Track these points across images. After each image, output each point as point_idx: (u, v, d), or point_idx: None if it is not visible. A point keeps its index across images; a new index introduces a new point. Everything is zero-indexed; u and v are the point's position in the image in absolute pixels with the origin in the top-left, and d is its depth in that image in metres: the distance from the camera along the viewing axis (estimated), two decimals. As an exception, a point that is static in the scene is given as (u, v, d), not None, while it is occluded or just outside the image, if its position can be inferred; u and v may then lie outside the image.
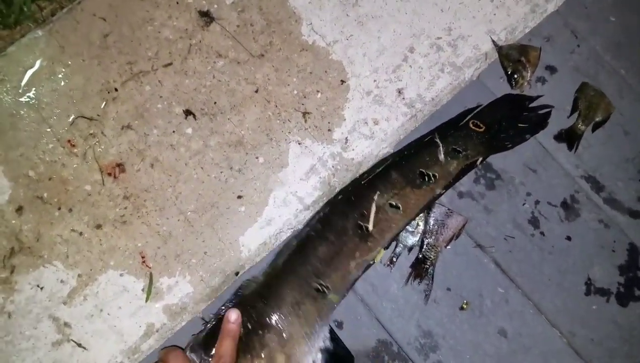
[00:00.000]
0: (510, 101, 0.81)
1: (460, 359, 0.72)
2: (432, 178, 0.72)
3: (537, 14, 0.86)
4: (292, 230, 0.77)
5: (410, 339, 0.73)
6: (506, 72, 0.82)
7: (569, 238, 0.78)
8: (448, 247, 0.75)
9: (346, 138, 0.80)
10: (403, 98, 0.82)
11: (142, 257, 0.73)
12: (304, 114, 0.80)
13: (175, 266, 0.73)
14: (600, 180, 0.80)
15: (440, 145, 0.75)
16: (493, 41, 0.83)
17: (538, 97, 0.81)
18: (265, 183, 0.77)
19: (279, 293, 0.67)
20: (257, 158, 0.78)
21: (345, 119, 0.80)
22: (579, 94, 0.82)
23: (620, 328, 0.75)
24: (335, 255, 0.69)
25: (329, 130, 0.80)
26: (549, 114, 0.81)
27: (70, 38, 0.80)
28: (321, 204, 0.78)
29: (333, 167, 0.78)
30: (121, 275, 0.72)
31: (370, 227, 0.70)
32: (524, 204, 0.78)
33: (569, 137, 0.81)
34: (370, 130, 0.80)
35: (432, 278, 0.73)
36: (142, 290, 0.72)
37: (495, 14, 0.85)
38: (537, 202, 0.79)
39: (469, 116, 0.78)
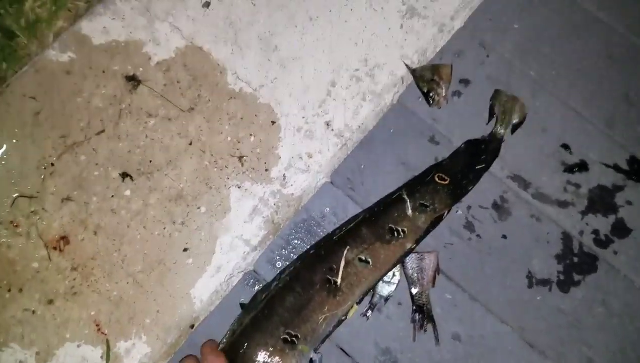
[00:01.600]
0: (468, 148, 0.85)
1: (420, 371, 0.75)
2: (402, 233, 0.74)
3: (444, 32, 0.93)
4: (242, 272, 0.80)
5: (370, 359, 0.76)
6: (422, 92, 0.88)
7: (504, 236, 0.82)
8: (434, 286, 0.77)
9: (284, 175, 0.83)
10: (332, 129, 0.86)
11: (97, 325, 0.74)
12: (240, 158, 0.84)
13: (130, 328, 0.74)
14: (526, 177, 0.86)
15: (408, 201, 0.77)
16: (406, 65, 0.89)
17: (493, 136, 0.86)
18: (210, 232, 0.79)
19: (245, 354, 0.67)
20: (198, 208, 0.81)
21: (280, 157, 0.84)
22: (494, 101, 0.88)
23: (566, 314, 0.79)
24: (303, 306, 0.70)
25: (266, 170, 0.84)
26: (500, 145, 0.85)
27: (2, 120, 0.82)
28: (268, 244, 0.81)
29: (275, 204, 0.82)
30: (78, 346, 0.73)
31: (339, 281, 0.71)
32: (457, 211, 0.83)
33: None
34: (306, 164, 0.85)
35: (434, 321, 0.76)
36: (101, 357, 0.73)
37: (405, 40, 0.91)
38: (469, 207, 0.84)
39: (434, 171, 0.81)
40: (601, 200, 0.85)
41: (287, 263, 0.77)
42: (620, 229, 0.84)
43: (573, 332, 0.78)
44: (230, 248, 0.78)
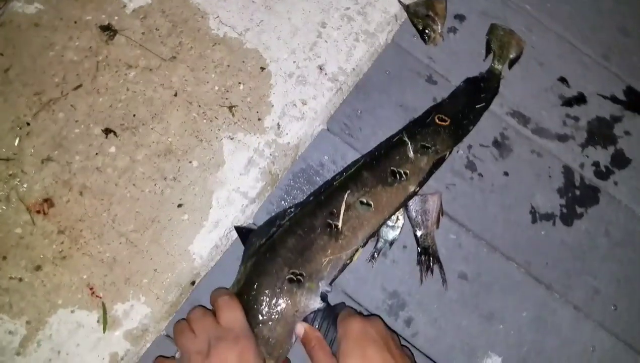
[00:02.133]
0: (467, 86, 0.82)
1: (428, 311, 0.74)
2: (404, 175, 0.72)
3: (436, -33, 0.88)
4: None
5: (378, 303, 0.75)
6: (417, 29, 0.84)
7: (506, 174, 0.81)
8: (439, 227, 0.75)
9: (278, 124, 0.80)
10: (325, 73, 0.82)
11: (91, 289, 0.70)
12: (230, 108, 0.79)
13: (127, 290, 0.71)
14: (525, 113, 0.84)
15: (409, 143, 0.74)
16: (399, 1, 0.85)
17: (491, 72, 0.83)
18: (204, 187, 0.76)
19: (252, 300, 0.65)
20: (190, 162, 0.76)
21: (273, 105, 0.80)
22: (490, 36, 0.85)
23: (570, 247, 0.79)
24: (306, 248, 0.67)
25: (259, 119, 0.79)
26: (498, 81, 0.83)
27: (-36, 79, 0.76)
28: (266, 195, 0.78)
29: (271, 155, 0.78)
30: (72, 312, 0.70)
31: (340, 224, 0.69)
32: (457, 151, 0.81)
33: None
34: (300, 111, 0.81)
35: (440, 262, 0.74)
36: (98, 321, 0.69)
37: (396, -25, 0.87)
38: (469, 147, 0.82)
39: (434, 113, 0.78)
40: (600, 132, 0.84)
41: (286, 208, 0.74)
42: (620, 160, 0.83)
43: (578, 264, 0.78)
44: (228, 202, 0.75)
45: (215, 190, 0.76)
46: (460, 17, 0.87)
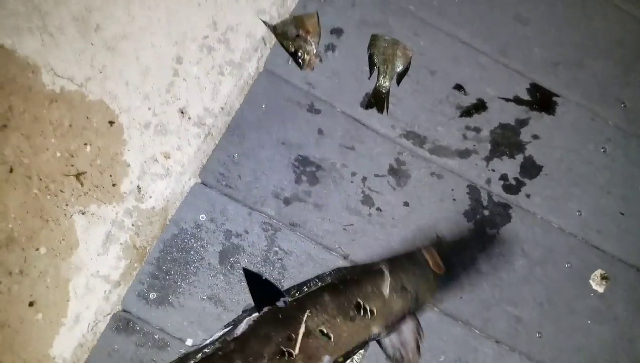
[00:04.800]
0: (476, 240, 0.80)
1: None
2: (369, 313, 0.68)
3: (304, -25, 0.86)
4: (108, 316, 0.73)
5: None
6: (289, 53, 0.82)
7: (406, 203, 0.81)
8: (421, 356, 0.73)
9: (137, 186, 0.76)
10: (189, 118, 0.80)
11: None
12: (78, 176, 0.75)
13: (-25, 417, 0.67)
14: (420, 132, 0.84)
15: (389, 279, 0.71)
16: (264, 22, 0.82)
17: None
18: (56, 276, 0.72)
19: None
20: (37, 249, 0.73)
21: (129, 165, 0.77)
22: (372, 50, 0.85)
23: (485, 275, 0.80)
24: None
25: (114, 184, 0.76)
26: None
27: None
28: (134, 274, 0.75)
29: (133, 225, 0.75)
30: None
31: (296, 351, 0.65)
32: (351, 182, 0.80)
33: (377, 99, 0.83)
34: (164, 167, 0.78)
35: None
36: None
37: (259, -10, 0.84)
38: (364, 179, 0.81)
39: (432, 251, 0.75)
40: (505, 140, 0.86)
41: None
42: (530, 168, 0.85)
43: (496, 294, 0.80)
44: (87, 291, 0.72)
45: (71, 278, 0.72)
46: (337, 31, 0.85)
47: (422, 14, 0.88)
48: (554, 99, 0.88)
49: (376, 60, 0.84)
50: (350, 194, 0.81)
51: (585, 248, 0.82)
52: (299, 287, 0.74)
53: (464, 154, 0.84)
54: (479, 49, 0.88)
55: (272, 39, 0.84)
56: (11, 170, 0.75)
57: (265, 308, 0.69)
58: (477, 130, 0.86)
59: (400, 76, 0.84)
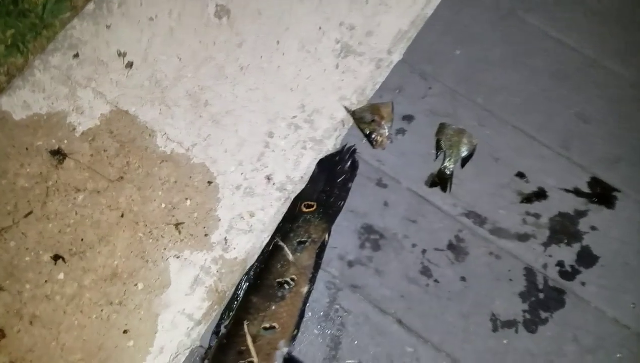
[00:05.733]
0: (322, 166, 0.95)
1: None
2: (292, 282, 0.83)
3: (382, 68, 1.02)
4: (188, 350, 0.87)
5: None
6: (364, 134, 0.97)
7: (463, 279, 0.90)
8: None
9: (225, 238, 0.91)
10: (273, 183, 0.95)
11: (35, 424, 0.80)
12: (177, 225, 0.92)
13: (70, 424, 0.80)
14: (481, 212, 0.94)
15: (285, 246, 0.86)
16: (345, 108, 0.98)
17: (344, 148, 0.97)
18: (149, 310, 0.87)
19: None
20: (135, 285, 0.88)
21: (220, 219, 0.92)
22: (440, 135, 0.97)
23: (536, 356, 0.86)
24: None
25: (205, 235, 0.91)
26: (352, 154, 0.96)
27: None
28: (213, 315, 0.88)
29: (217, 272, 0.89)
30: None
31: (255, 359, 0.78)
32: (412, 253, 0.91)
33: (440, 179, 0.95)
34: (248, 224, 0.92)
35: None
36: None
37: (343, 80, 1.01)
38: (424, 251, 0.92)
39: (299, 203, 0.91)
40: (563, 229, 0.93)
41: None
42: (587, 257, 0.92)
43: (546, 376, 0.85)
44: (172, 326, 0.86)
45: (161, 313, 0.87)
46: (408, 118, 0.99)
47: (489, 107, 1.01)
48: (614, 193, 0.95)
49: (442, 145, 0.97)
50: (409, 264, 0.91)
51: (637, 340, 0.86)
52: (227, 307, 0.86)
53: (522, 237, 0.93)
54: (541, 141, 0.99)
55: (350, 122, 0.99)
56: (122, 216, 0.92)
57: (212, 343, 0.83)
58: (537, 216, 0.94)
59: (465, 160, 0.96)
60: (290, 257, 0.85)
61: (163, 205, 0.93)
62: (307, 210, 0.89)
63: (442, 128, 0.98)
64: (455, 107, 1.01)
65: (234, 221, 0.93)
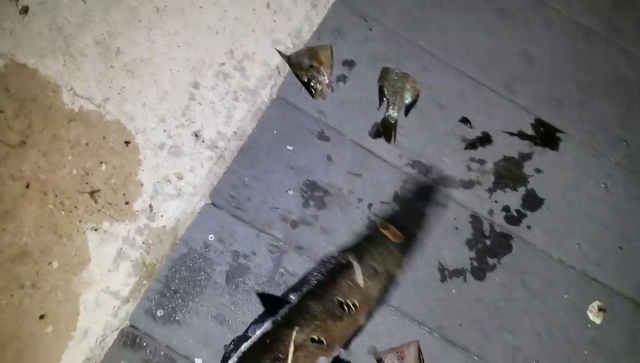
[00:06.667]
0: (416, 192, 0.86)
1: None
2: (353, 308, 0.75)
3: (319, 8, 0.94)
4: (116, 331, 0.78)
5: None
6: (302, 82, 0.89)
7: (411, 231, 0.87)
8: None
9: (150, 205, 0.82)
10: (202, 141, 0.86)
11: None
12: (92, 193, 0.81)
13: None
14: (426, 162, 0.90)
15: (359, 267, 0.77)
16: (279, 52, 0.89)
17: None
18: (67, 290, 0.77)
19: None
20: (49, 264, 0.78)
21: (142, 184, 0.83)
22: (382, 82, 0.91)
23: (485, 304, 0.85)
24: None
25: (126, 203, 0.81)
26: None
27: None
28: (142, 291, 0.79)
29: (144, 243, 0.80)
30: None
31: None
32: (357, 208, 0.86)
33: (385, 129, 0.90)
34: (176, 188, 0.83)
35: None
36: None
37: (275, 21, 0.91)
38: (370, 205, 0.87)
39: (384, 226, 0.82)
40: (508, 173, 0.92)
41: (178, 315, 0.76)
42: (532, 201, 0.91)
43: (495, 321, 0.85)
44: (96, 306, 0.77)
45: (82, 293, 0.77)
46: (349, 63, 0.92)
47: (432, 49, 0.96)
48: (558, 135, 0.94)
49: (386, 92, 0.91)
50: (356, 220, 0.87)
51: (583, 280, 0.88)
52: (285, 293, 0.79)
53: (467, 184, 0.90)
54: (485, 84, 0.96)
55: (286, 69, 0.91)
56: (28, 186, 0.80)
57: (255, 337, 0.74)
58: (482, 162, 0.92)
59: (409, 108, 0.91)
60: (361, 281, 0.76)
61: (74, 172, 0.82)
62: (393, 239, 0.80)
63: (384, 73, 0.92)
64: (397, 50, 0.95)
65: (159, 185, 0.83)
